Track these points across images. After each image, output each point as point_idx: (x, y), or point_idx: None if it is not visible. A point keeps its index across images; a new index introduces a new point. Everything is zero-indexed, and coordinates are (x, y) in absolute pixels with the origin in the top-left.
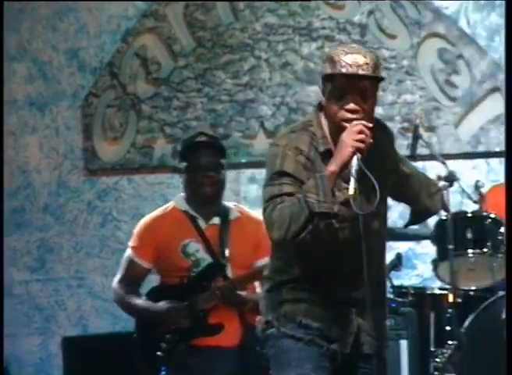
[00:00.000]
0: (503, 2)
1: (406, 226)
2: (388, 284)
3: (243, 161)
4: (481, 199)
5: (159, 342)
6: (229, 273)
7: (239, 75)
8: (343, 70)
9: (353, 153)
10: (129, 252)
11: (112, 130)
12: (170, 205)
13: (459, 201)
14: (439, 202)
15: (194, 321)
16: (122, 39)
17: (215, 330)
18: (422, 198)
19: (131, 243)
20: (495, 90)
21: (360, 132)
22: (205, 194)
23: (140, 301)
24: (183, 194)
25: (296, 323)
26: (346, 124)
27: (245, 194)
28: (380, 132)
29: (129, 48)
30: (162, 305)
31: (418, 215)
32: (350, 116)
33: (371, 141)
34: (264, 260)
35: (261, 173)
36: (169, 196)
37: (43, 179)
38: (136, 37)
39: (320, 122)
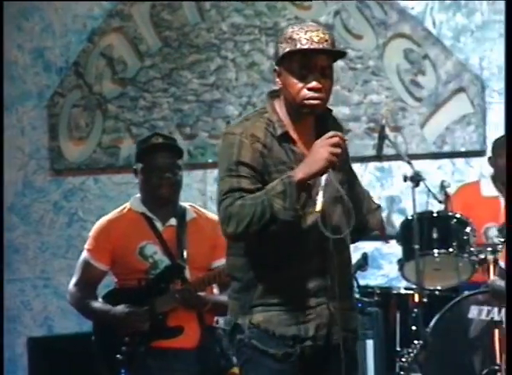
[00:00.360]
0: (469, 3)
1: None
2: (354, 284)
3: (210, 161)
4: (447, 199)
5: (118, 345)
6: (188, 274)
7: (205, 75)
8: (306, 46)
9: (326, 167)
10: (85, 255)
11: (78, 129)
12: (126, 206)
13: (425, 201)
14: (378, 220)
15: (154, 324)
16: (88, 39)
17: (175, 332)
18: (363, 211)
19: (87, 245)
20: (460, 90)
21: (337, 145)
22: (162, 196)
23: (99, 305)
24: (138, 195)
25: (269, 334)
26: (310, 101)
27: (212, 194)
28: (333, 121)
29: (95, 48)
30: (122, 308)
31: (358, 231)
32: (312, 94)
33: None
34: (222, 261)
35: None
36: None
37: (8, 179)
38: (102, 36)
39: (274, 107)
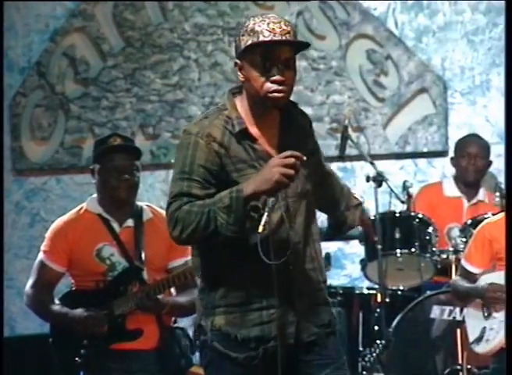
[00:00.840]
0: (431, 3)
1: (325, 239)
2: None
3: (173, 161)
4: (409, 199)
5: (77, 348)
6: (146, 275)
7: (168, 75)
8: (269, 39)
9: (275, 189)
10: (41, 256)
11: (40, 129)
12: (82, 207)
13: (387, 201)
14: (357, 217)
15: (112, 327)
16: (51, 38)
17: (134, 335)
18: (342, 208)
19: (43, 247)
20: (422, 91)
21: (291, 166)
22: (119, 197)
23: (56, 307)
24: (95, 195)
25: (231, 338)
26: (274, 94)
27: None
28: (298, 113)
29: (58, 48)
30: (80, 312)
31: (336, 227)
32: (276, 87)
33: (296, 175)
34: (179, 261)
35: None
36: None
37: None
38: (64, 36)
39: (234, 104)
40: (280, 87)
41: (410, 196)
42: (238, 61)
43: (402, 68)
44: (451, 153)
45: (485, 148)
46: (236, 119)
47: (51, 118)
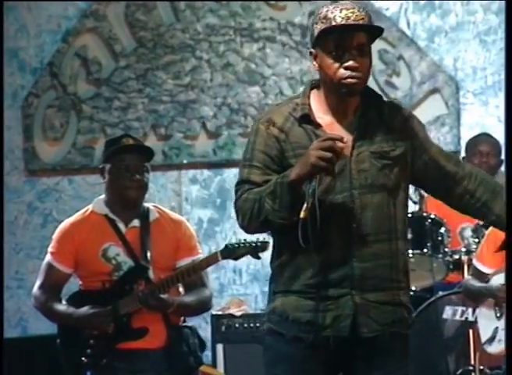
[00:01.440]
0: (443, 3)
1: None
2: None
3: (185, 161)
4: (422, 200)
5: (83, 348)
6: (151, 275)
7: (180, 75)
8: (341, 24)
9: (312, 172)
10: (48, 258)
11: (53, 130)
12: (88, 208)
13: None
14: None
15: (118, 326)
16: (63, 39)
17: (139, 334)
18: (496, 206)
19: (50, 248)
20: (434, 91)
21: (329, 149)
22: (129, 197)
23: (63, 307)
24: (101, 197)
25: (283, 318)
26: (348, 80)
27: (186, 195)
28: (382, 103)
29: (70, 48)
30: (85, 310)
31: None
32: (350, 73)
33: (340, 159)
34: (185, 260)
35: (203, 174)
36: None
37: None
38: (76, 37)
39: (307, 93)
40: (354, 73)
41: (422, 196)
42: (312, 50)
43: (414, 68)
44: (463, 153)
45: (497, 146)
46: (301, 105)
47: (63, 118)
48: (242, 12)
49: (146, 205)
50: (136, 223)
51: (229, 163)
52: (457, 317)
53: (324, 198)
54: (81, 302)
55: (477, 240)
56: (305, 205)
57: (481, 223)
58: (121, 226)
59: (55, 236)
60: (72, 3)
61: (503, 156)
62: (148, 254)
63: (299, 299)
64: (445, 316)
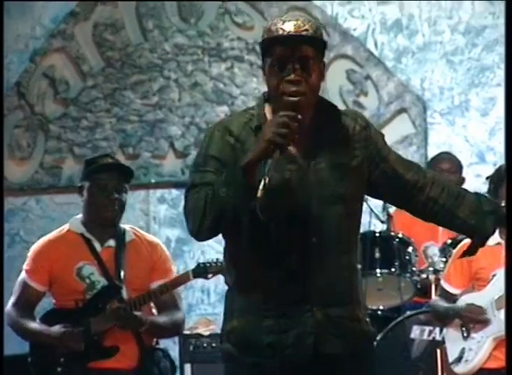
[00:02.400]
0: (410, 24)
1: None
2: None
3: (153, 181)
4: (389, 219)
5: (54, 366)
6: (125, 295)
7: (148, 95)
8: (280, 34)
9: (270, 148)
10: (23, 275)
11: (20, 150)
12: (65, 227)
13: (367, 221)
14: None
15: (89, 344)
16: (30, 59)
17: (110, 352)
18: (461, 211)
19: (25, 266)
20: (402, 111)
21: (284, 125)
22: (106, 216)
23: (35, 325)
24: (78, 216)
25: (242, 341)
26: (287, 98)
27: (154, 215)
28: (339, 115)
29: (37, 68)
30: (57, 329)
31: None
32: (291, 88)
33: (296, 136)
34: (159, 283)
35: (171, 193)
36: None
37: None
38: (44, 56)
39: (262, 104)
40: (295, 88)
41: (390, 216)
42: (262, 63)
43: (381, 88)
44: None
45: (457, 163)
46: (257, 116)
47: (30, 138)
48: (210, 31)
49: (122, 226)
50: (111, 242)
51: None
52: (425, 337)
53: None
54: (54, 321)
55: (444, 259)
56: (262, 185)
57: (448, 242)
58: (96, 245)
59: (31, 253)
60: (40, 23)
61: (464, 174)
62: (122, 274)
63: (258, 319)
64: (412, 335)
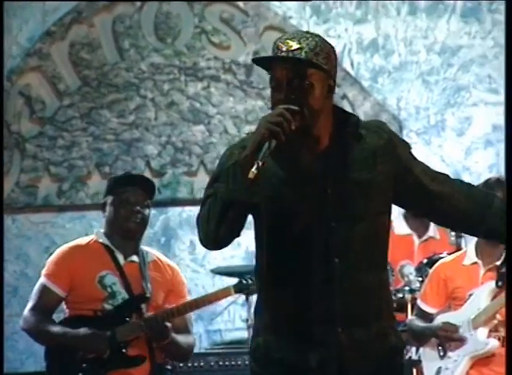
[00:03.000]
0: (386, 44)
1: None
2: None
3: None
4: None
5: (75, 372)
6: (144, 310)
7: (124, 114)
8: (272, 54)
9: (266, 136)
10: (42, 280)
11: None
12: (90, 237)
13: None
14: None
15: (114, 352)
16: (7, 78)
17: (136, 361)
18: (486, 218)
19: (45, 271)
20: None
21: (279, 115)
22: (130, 229)
23: (58, 328)
24: (102, 230)
25: (267, 358)
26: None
27: None
28: (367, 133)
29: (13, 87)
30: (83, 331)
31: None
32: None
33: (293, 127)
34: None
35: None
36: (54, 235)
37: None
38: (20, 75)
39: None
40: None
41: None
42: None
43: (358, 107)
44: None
45: None
46: None
47: (6, 157)
48: (186, 51)
49: (143, 247)
50: (135, 258)
51: (173, 202)
52: None
53: (301, 232)
54: (75, 327)
55: (420, 279)
56: (255, 166)
57: (424, 261)
58: (120, 257)
59: (52, 259)
60: (16, 42)
61: None
62: (150, 289)
63: (281, 338)
64: None
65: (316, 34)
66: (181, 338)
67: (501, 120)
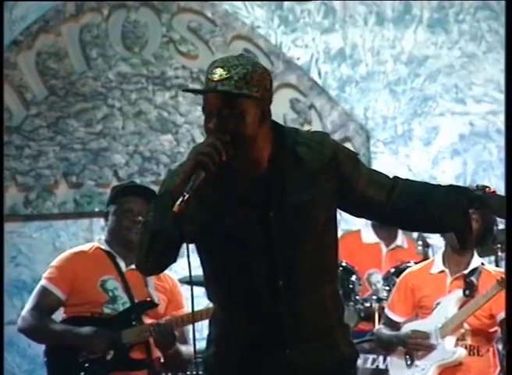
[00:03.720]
0: (354, 53)
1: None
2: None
3: (97, 210)
4: None
5: (77, 371)
6: (143, 317)
7: (92, 123)
8: (204, 86)
9: (194, 167)
10: (43, 282)
11: None
12: (92, 244)
13: None
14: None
15: (118, 354)
16: None
17: (141, 365)
18: (434, 215)
19: (47, 274)
20: (346, 140)
21: (210, 145)
22: (131, 239)
23: (60, 326)
24: (103, 237)
25: (219, 371)
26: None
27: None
28: (309, 152)
29: None
30: (88, 329)
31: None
32: (209, 140)
33: (223, 158)
34: (174, 314)
35: None
36: (21, 245)
37: None
38: None
39: None
40: (211, 140)
41: None
42: None
43: (325, 117)
44: None
45: None
46: None
47: None
48: (154, 60)
49: None
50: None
51: None
52: (368, 365)
53: (243, 257)
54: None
55: (388, 288)
56: (181, 199)
57: (392, 270)
58: (121, 264)
59: (55, 263)
60: None
61: None
62: (155, 296)
63: (230, 353)
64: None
65: (249, 59)
66: (182, 348)
67: (467, 130)
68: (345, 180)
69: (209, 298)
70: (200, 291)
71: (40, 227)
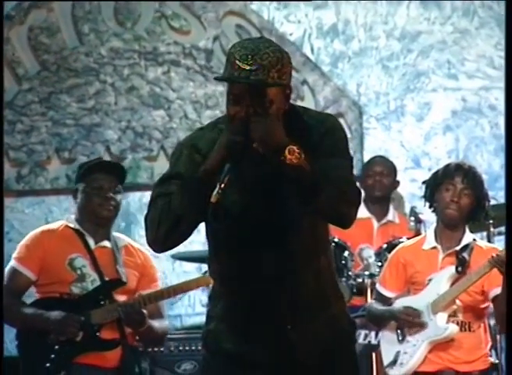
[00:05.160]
0: (346, 29)
1: None
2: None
3: None
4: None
5: (47, 353)
6: (115, 294)
7: (84, 99)
8: (229, 72)
9: (224, 155)
10: (12, 263)
11: None
12: (61, 222)
13: None
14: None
15: (88, 335)
16: None
17: (110, 345)
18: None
19: (15, 254)
20: (338, 116)
21: (240, 133)
22: (102, 215)
23: (30, 310)
24: (73, 215)
25: (218, 347)
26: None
27: None
28: (309, 128)
29: None
30: (57, 313)
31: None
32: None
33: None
34: (146, 291)
35: None
36: (13, 220)
37: None
38: None
39: None
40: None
41: None
42: None
43: (318, 93)
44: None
45: (390, 167)
46: (225, 132)
47: None
48: (146, 36)
49: (114, 233)
50: (106, 243)
51: (133, 187)
52: (360, 340)
53: (247, 233)
54: (47, 309)
55: (380, 263)
56: (216, 190)
57: (384, 246)
58: (90, 242)
59: (23, 243)
60: None
61: (399, 179)
62: (124, 273)
63: (232, 329)
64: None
65: (275, 45)
66: (155, 323)
67: (460, 106)
68: (316, 148)
69: (210, 274)
70: (191, 266)
71: (32, 203)
